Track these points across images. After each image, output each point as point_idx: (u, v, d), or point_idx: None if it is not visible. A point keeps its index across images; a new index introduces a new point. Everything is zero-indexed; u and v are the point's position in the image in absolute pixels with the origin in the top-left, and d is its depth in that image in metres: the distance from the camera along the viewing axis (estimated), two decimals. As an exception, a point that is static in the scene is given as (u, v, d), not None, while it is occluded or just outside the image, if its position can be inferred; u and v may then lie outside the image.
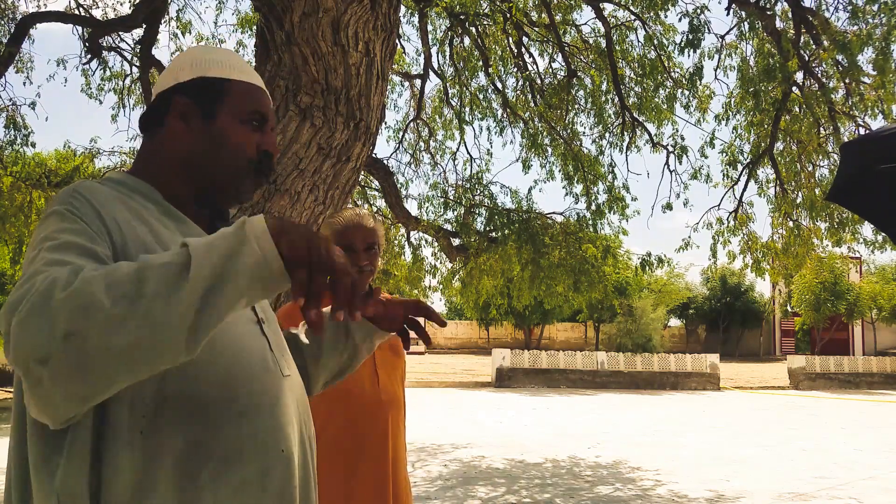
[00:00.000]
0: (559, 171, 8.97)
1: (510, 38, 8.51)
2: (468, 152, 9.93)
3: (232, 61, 1.25)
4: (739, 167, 7.98)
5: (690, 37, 6.21)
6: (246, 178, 1.21)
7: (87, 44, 7.58)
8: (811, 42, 6.86)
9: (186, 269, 0.84)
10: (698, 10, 6.33)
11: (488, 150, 11.57)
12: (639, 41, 8.04)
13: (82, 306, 0.81)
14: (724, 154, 8.00)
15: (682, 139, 8.44)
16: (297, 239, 0.89)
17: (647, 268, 8.36)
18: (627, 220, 8.62)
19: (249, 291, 0.88)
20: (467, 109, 9.33)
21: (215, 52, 1.27)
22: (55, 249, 0.95)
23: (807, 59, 6.86)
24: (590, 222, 8.68)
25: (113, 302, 0.81)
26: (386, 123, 10.25)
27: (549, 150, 9.00)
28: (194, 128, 1.20)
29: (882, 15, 5.89)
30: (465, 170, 9.92)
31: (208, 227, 1.23)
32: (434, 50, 8.96)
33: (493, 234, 8.87)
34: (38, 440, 0.96)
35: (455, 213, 9.56)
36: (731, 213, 8.19)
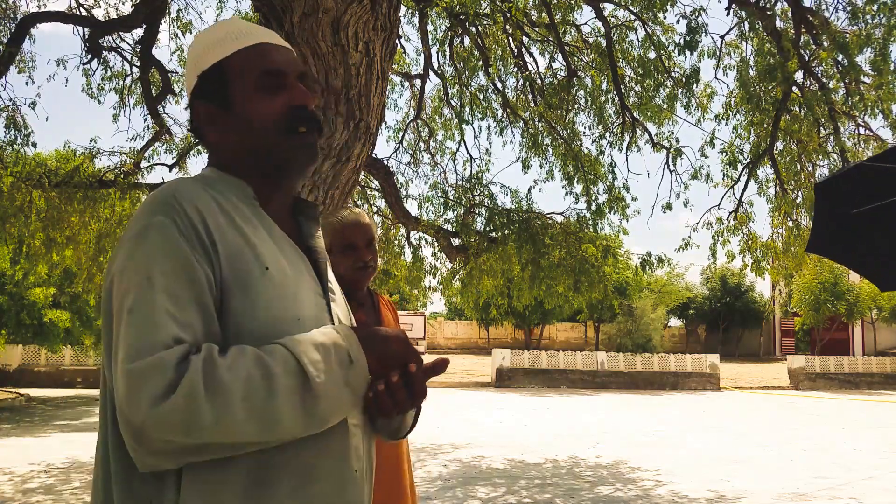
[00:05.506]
0: (559, 171, 8.96)
1: (510, 38, 8.51)
2: (468, 152, 9.94)
3: (223, 34, 1.19)
4: (739, 167, 7.97)
5: (688, 38, 6.21)
6: (284, 143, 1.15)
7: (87, 44, 7.58)
8: (811, 42, 6.86)
9: (315, 417, 0.99)
10: (696, 12, 6.33)
11: (488, 150, 11.57)
12: (638, 41, 8.05)
13: (226, 432, 0.93)
14: (724, 154, 7.99)
15: (678, 141, 8.45)
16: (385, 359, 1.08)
17: (647, 268, 8.36)
18: (627, 220, 8.61)
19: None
20: (467, 109, 9.32)
21: (209, 34, 1.21)
22: (171, 298, 0.97)
23: (807, 59, 6.86)
24: (590, 222, 8.67)
25: (258, 432, 0.95)
26: (386, 123, 10.26)
27: (549, 150, 9.00)
28: (223, 124, 1.17)
29: (882, 15, 5.88)
30: (465, 170, 9.93)
31: (291, 222, 1.22)
32: (434, 50, 8.97)
33: (493, 234, 8.86)
34: (127, 458, 0.98)
35: (455, 213, 9.55)
36: (731, 212, 8.18)
